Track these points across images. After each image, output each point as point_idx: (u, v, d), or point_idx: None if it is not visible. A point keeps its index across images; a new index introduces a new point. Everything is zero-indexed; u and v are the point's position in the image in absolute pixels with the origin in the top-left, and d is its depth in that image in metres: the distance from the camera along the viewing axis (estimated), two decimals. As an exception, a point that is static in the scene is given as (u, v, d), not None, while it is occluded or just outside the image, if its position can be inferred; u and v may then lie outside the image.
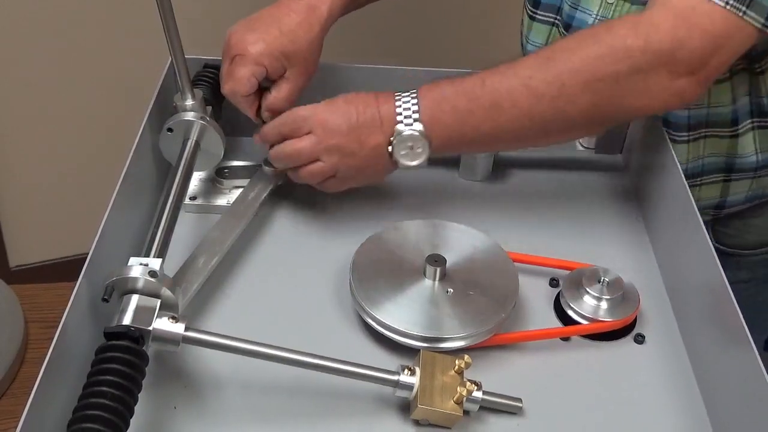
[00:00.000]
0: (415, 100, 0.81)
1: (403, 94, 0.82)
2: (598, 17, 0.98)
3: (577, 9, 1.00)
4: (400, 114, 0.81)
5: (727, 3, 0.76)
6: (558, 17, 1.04)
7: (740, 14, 0.77)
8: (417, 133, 0.80)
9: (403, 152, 0.82)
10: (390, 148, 0.82)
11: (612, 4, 0.97)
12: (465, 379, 0.70)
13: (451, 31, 2.02)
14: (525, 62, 0.81)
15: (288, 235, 0.90)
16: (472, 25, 2.02)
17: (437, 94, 0.81)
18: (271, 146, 0.87)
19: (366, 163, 0.83)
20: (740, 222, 1.03)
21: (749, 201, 1.02)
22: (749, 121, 0.97)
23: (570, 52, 0.79)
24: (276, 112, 0.88)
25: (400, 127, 0.81)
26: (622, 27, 0.78)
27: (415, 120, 0.80)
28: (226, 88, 0.87)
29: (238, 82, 0.86)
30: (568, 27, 1.02)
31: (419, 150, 0.81)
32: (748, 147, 0.98)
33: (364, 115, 0.82)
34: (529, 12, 1.08)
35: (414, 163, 0.82)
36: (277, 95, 0.88)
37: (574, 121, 0.81)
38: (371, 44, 1.93)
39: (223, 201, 0.92)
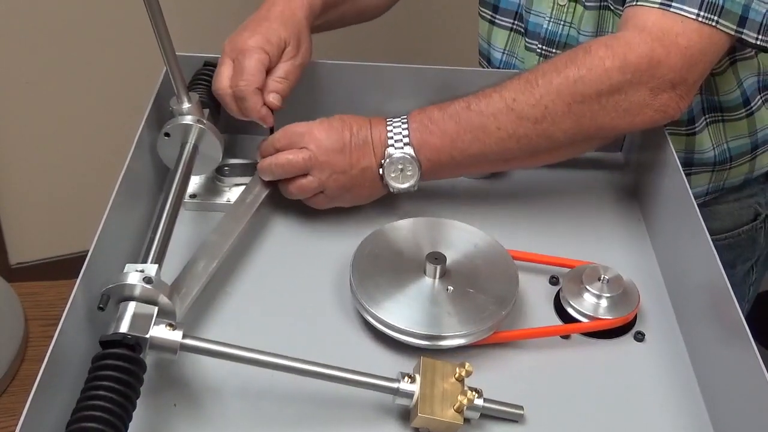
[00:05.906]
0: (405, 125, 0.84)
1: (395, 120, 0.85)
2: (552, 20, 0.99)
3: (530, 13, 1.02)
4: (391, 138, 0.84)
5: (698, 15, 0.79)
6: (516, 22, 1.06)
7: (713, 24, 0.80)
8: (407, 156, 0.84)
9: (393, 174, 0.85)
10: (381, 170, 0.85)
11: (564, 6, 0.99)
12: (466, 387, 0.69)
13: (448, 29, 2.01)
14: (509, 85, 0.83)
15: (288, 234, 0.90)
16: (470, 24, 2.01)
17: (426, 118, 0.84)
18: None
19: (355, 182, 0.86)
20: (706, 209, 1.04)
21: (711, 193, 1.05)
22: (702, 118, 0.99)
23: (551, 75, 0.81)
24: (280, 94, 0.88)
25: (390, 150, 0.84)
26: (600, 48, 0.81)
27: (405, 144, 0.84)
28: (241, 85, 0.86)
29: (250, 75, 0.86)
30: (526, 31, 1.04)
31: (409, 173, 0.85)
32: (705, 143, 1.00)
33: (357, 137, 0.85)
34: (488, 17, 1.10)
35: (404, 185, 0.85)
36: (275, 76, 0.89)
37: (560, 142, 0.84)
38: (371, 44, 1.92)
39: (223, 199, 0.92)
